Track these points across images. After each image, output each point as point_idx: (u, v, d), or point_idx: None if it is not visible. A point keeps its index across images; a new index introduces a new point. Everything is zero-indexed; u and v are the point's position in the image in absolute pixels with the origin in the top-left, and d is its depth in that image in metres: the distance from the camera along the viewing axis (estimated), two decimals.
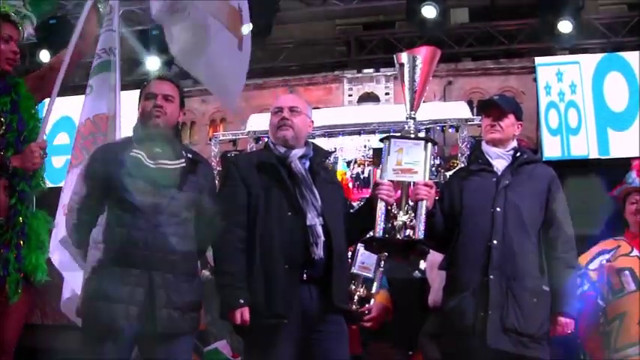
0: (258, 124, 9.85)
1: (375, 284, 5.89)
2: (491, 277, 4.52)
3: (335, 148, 10.52)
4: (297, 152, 4.49)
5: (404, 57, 4.57)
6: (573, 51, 10.15)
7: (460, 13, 11.24)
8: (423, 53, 4.61)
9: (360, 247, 5.58)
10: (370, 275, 5.88)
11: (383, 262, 5.98)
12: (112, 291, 4.15)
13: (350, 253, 5.91)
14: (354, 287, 5.75)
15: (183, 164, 4.40)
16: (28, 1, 4.84)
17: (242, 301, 4.19)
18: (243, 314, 4.19)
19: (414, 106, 4.56)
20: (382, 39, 11.40)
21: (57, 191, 5.52)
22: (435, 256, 5.42)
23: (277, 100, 4.75)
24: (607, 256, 5.76)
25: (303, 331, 4.30)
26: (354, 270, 5.76)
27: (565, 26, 9.46)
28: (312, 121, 4.75)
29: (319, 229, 4.32)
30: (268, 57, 11.81)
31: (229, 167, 4.62)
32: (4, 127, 4.39)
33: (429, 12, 9.41)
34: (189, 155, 4.49)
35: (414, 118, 4.59)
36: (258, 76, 11.96)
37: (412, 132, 4.55)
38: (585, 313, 5.61)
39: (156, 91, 4.48)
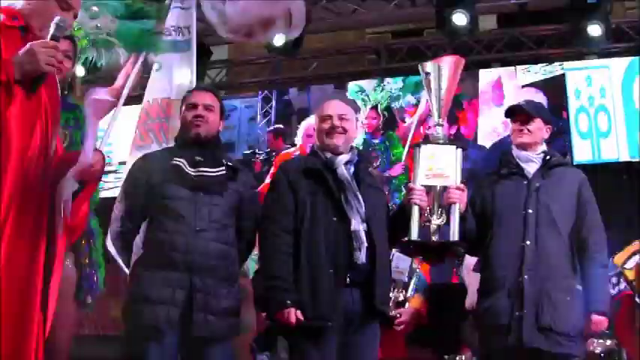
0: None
1: (410, 288, 5.96)
2: (526, 277, 4.60)
3: None
4: (343, 158, 4.53)
5: (429, 66, 4.65)
6: (602, 55, 10.17)
7: (488, 19, 11.25)
8: (447, 62, 4.69)
9: (395, 251, 5.65)
10: (404, 279, 5.96)
11: (418, 267, 6.06)
12: (154, 293, 4.29)
13: None
14: (391, 293, 5.82)
15: (224, 172, 4.54)
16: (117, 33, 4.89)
17: (289, 302, 4.23)
18: (290, 315, 4.23)
19: (441, 114, 4.64)
20: (411, 47, 11.43)
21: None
22: (471, 260, 5.49)
23: (325, 107, 4.73)
24: None
25: (344, 334, 4.36)
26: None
27: (594, 30, 9.48)
28: (360, 124, 4.80)
29: (363, 235, 4.37)
30: (301, 67, 11.89)
31: (277, 173, 4.69)
32: (67, 140, 4.53)
33: (460, 19, 9.48)
34: (230, 163, 4.64)
35: (442, 125, 4.66)
36: (291, 86, 12.03)
37: (441, 138, 4.63)
38: (622, 312, 5.66)
39: (197, 101, 4.63)
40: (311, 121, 7.10)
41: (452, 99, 4.76)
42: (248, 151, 11.37)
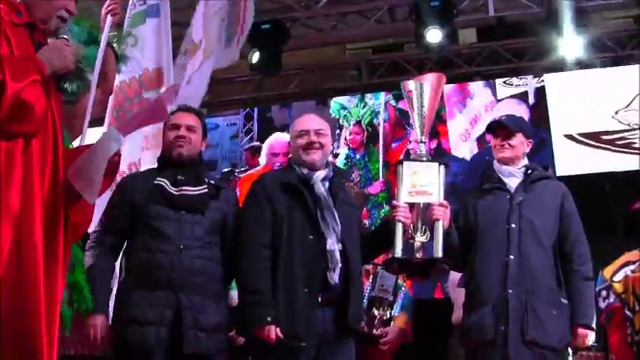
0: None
1: (395, 306, 5.96)
2: (510, 291, 4.59)
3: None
4: (320, 174, 4.53)
5: (411, 84, 4.65)
6: (582, 66, 10.25)
7: (468, 33, 11.31)
8: (429, 79, 4.70)
9: (380, 269, 5.65)
10: (390, 298, 5.96)
11: (404, 283, 6.05)
12: (142, 314, 4.26)
13: (371, 276, 6.00)
14: (375, 310, 5.82)
15: (206, 190, 4.55)
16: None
17: (269, 319, 4.19)
18: (270, 332, 4.18)
19: (423, 131, 4.65)
20: (392, 62, 11.47)
21: None
22: (456, 275, 5.49)
23: (301, 122, 4.74)
24: (632, 267, 5.81)
25: (318, 353, 4.33)
26: (374, 293, 5.83)
27: (570, 50, 9.68)
28: (343, 140, 4.82)
29: (337, 255, 4.36)
30: (282, 84, 11.91)
31: (254, 187, 4.65)
32: None
33: (434, 36, 9.57)
34: (212, 182, 4.66)
35: (424, 142, 4.67)
36: (273, 103, 12.05)
37: (424, 155, 4.63)
38: (613, 325, 5.67)
39: (180, 121, 4.65)
40: (275, 139, 7.16)
41: (434, 115, 4.77)
42: (227, 169, 11.39)
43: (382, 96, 11.27)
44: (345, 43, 12.22)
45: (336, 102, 11.43)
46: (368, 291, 5.97)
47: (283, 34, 10.19)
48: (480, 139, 10.60)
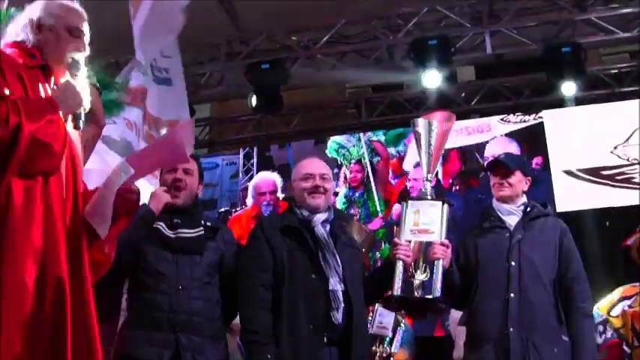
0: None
1: (394, 343, 5.97)
2: (511, 329, 4.60)
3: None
4: (321, 217, 4.58)
5: (420, 122, 4.71)
6: (579, 102, 10.31)
7: (466, 71, 11.39)
8: (438, 118, 4.76)
9: (378, 307, 5.66)
10: (389, 334, 5.97)
11: (404, 319, 6.06)
12: (141, 354, 4.28)
13: (370, 314, 6.01)
14: (374, 347, 5.83)
15: (202, 232, 4.59)
16: None
17: (269, 356, 4.22)
18: None
19: (430, 169, 4.70)
20: (392, 100, 11.53)
21: None
22: (457, 313, 5.51)
23: (307, 166, 4.78)
24: (629, 302, 5.82)
25: None
26: (372, 330, 5.84)
27: (569, 87, 9.74)
28: (342, 180, 4.84)
29: (340, 295, 4.39)
30: (282, 123, 11.98)
31: (255, 229, 4.69)
32: None
33: (432, 79, 9.75)
34: (208, 223, 4.69)
35: (430, 180, 4.70)
36: (274, 142, 12.10)
37: (428, 193, 4.67)
38: None
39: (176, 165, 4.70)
40: (260, 179, 7.33)
41: (441, 154, 4.82)
42: (222, 209, 11.41)
43: (362, 138, 11.39)
44: (345, 83, 12.27)
45: (333, 141, 11.49)
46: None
47: (283, 73, 10.25)
48: (473, 176, 10.69)
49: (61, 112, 3.29)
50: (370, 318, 6.09)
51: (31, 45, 3.48)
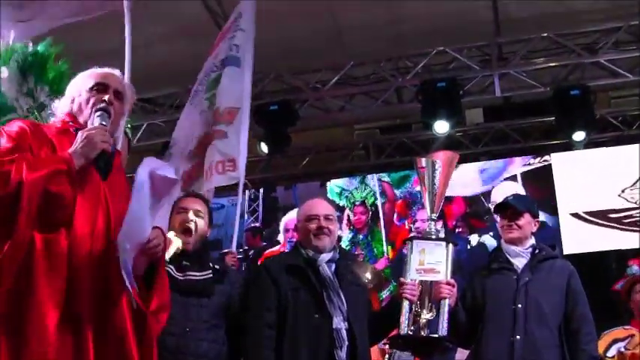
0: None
1: None
2: None
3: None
4: (325, 257, 4.58)
5: (424, 161, 4.73)
6: (588, 145, 10.31)
7: (475, 114, 11.40)
8: (441, 157, 4.76)
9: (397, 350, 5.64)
10: None
11: None
12: None
13: (388, 356, 5.99)
14: None
15: (210, 275, 4.61)
16: None
17: None
18: None
19: (434, 209, 4.70)
20: (400, 142, 11.54)
21: None
22: (464, 354, 5.48)
23: (311, 207, 4.81)
24: (622, 344, 5.83)
25: None
26: None
27: (579, 136, 9.77)
28: (346, 222, 4.85)
29: (344, 333, 4.37)
30: (290, 164, 11.99)
31: (260, 269, 4.72)
32: None
33: (442, 127, 9.76)
34: (216, 266, 4.70)
35: (434, 220, 4.71)
36: (282, 182, 12.11)
37: (433, 233, 4.67)
38: None
39: (188, 205, 4.73)
40: (288, 218, 7.29)
41: (445, 193, 4.81)
42: (227, 250, 11.41)
43: (374, 178, 11.41)
44: (353, 124, 12.30)
45: (335, 185, 11.59)
46: None
47: (291, 115, 10.27)
48: (478, 218, 10.69)
49: (76, 162, 3.29)
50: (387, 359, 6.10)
51: (68, 111, 3.59)
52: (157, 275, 3.53)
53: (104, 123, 3.44)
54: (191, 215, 4.69)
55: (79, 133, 3.37)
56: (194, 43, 8.55)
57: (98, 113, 3.47)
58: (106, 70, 3.68)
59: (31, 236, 3.15)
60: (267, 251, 8.35)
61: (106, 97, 3.54)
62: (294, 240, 7.54)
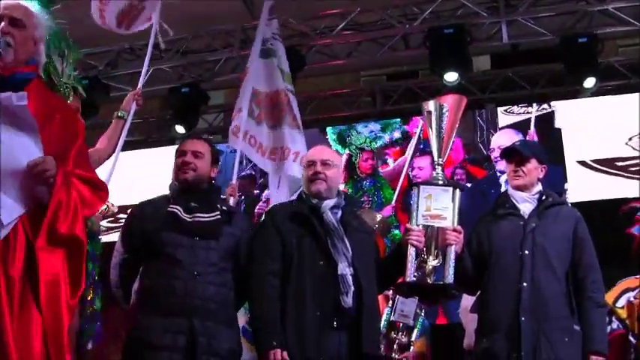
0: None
1: (414, 332, 5.97)
2: (523, 318, 4.58)
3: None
4: (329, 203, 4.58)
5: (431, 105, 4.69)
6: (594, 93, 10.26)
7: (482, 61, 11.32)
8: (449, 101, 4.72)
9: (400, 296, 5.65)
10: (410, 323, 5.97)
11: (422, 312, 6.05)
12: (155, 339, 4.28)
13: (391, 302, 6.01)
14: (394, 335, 5.84)
15: (219, 216, 4.59)
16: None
17: (275, 343, 4.23)
18: (276, 355, 4.21)
19: (441, 153, 4.68)
20: (406, 89, 11.47)
21: None
22: (468, 301, 5.49)
23: (310, 154, 4.86)
24: (633, 294, 5.82)
25: None
26: (394, 318, 5.84)
27: (589, 83, 9.69)
28: (342, 171, 4.83)
29: (350, 279, 4.38)
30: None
31: (264, 217, 4.73)
32: None
33: (451, 77, 9.73)
34: (224, 207, 4.70)
35: (441, 165, 4.69)
36: None
37: (440, 178, 4.65)
38: (616, 351, 5.65)
39: (186, 148, 4.74)
40: None
41: (452, 137, 4.78)
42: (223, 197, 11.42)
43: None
44: (360, 71, 12.22)
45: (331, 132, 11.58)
46: (387, 315, 6.00)
47: (299, 60, 10.20)
48: (477, 165, 10.68)
49: None
50: (390, 305, 6.12)
51: None
52: (50, 206, 3.38)
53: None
54: (188, 157, 4.69)
55: None
56: None
57: None
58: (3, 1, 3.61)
59: None
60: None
61: None
62: None
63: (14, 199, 3.30)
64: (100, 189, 3.67)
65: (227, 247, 4.57)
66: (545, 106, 10.54)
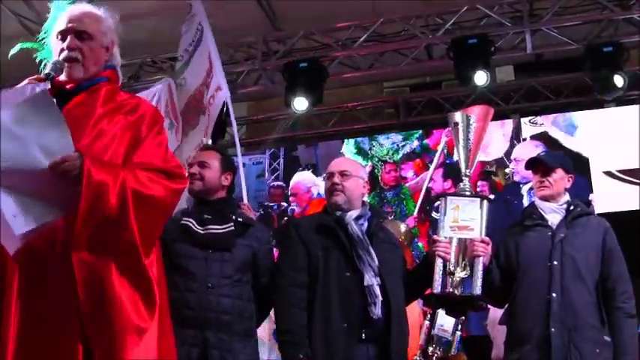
0: None
1: (453, 346, 5.94)
2: (553, 329, 4.55)
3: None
4: (353, 214, 4.57)
5: (458, 116, 4.68)
6: (620, 103, 10.20)
7: (505, 71, 11.28)
8: (476, 112, 4.72)
9: (440, 310, 5.63)
10: (448, 337, 5.94)
11: (461, 326, 6.03)
12: None
13: (429, 316, 5.99)
14: (431, 349, 5.81)
15: (232, 228, 4.59)
16: None
17: (302, 356, 4.22)
18: None
19: (468, 165, 4.66)
20: (429, 100, 11.45)
21: None
22: (496, 312, 5.46)
23: (330, 165, 4.84)
24: None
25: None
26: (434, 332, 5.82)
27: (619, 80, 9.56)
28: (367, 182, 4.82)
29: (377, 289, 4.36)
30: (321, 123, 11.90)
31: (289, 230, 4.70)
32: None
33: (481, 78, 9.57)
34: (239, 219, 4.68)
35: (468, 176, 4.67)
36: (313, 141, 12.03)
37: (468, 189, 4.64)
38: None
39: (191, 161, 4.83)
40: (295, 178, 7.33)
41: (479, 149, 4.76)
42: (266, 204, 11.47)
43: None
44: (383, 82, 12.21)
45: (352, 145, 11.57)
46: (426, 329, 5.98)
47: (321, 72, 10.19)
48: (500, 174, 10.64)
49: None
50: (428, 319, 6.10)
51: None
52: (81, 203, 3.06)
53: (52, 73, 3.30)
54: (194, 169, 4.71)
55: None
56: None
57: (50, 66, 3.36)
58: (68, 10, 3.52)
59: None
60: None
61: (64, 45, 3.42)
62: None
63: (29, 206, 3.02)
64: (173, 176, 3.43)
65: (242, 259, 4.57)
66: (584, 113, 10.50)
